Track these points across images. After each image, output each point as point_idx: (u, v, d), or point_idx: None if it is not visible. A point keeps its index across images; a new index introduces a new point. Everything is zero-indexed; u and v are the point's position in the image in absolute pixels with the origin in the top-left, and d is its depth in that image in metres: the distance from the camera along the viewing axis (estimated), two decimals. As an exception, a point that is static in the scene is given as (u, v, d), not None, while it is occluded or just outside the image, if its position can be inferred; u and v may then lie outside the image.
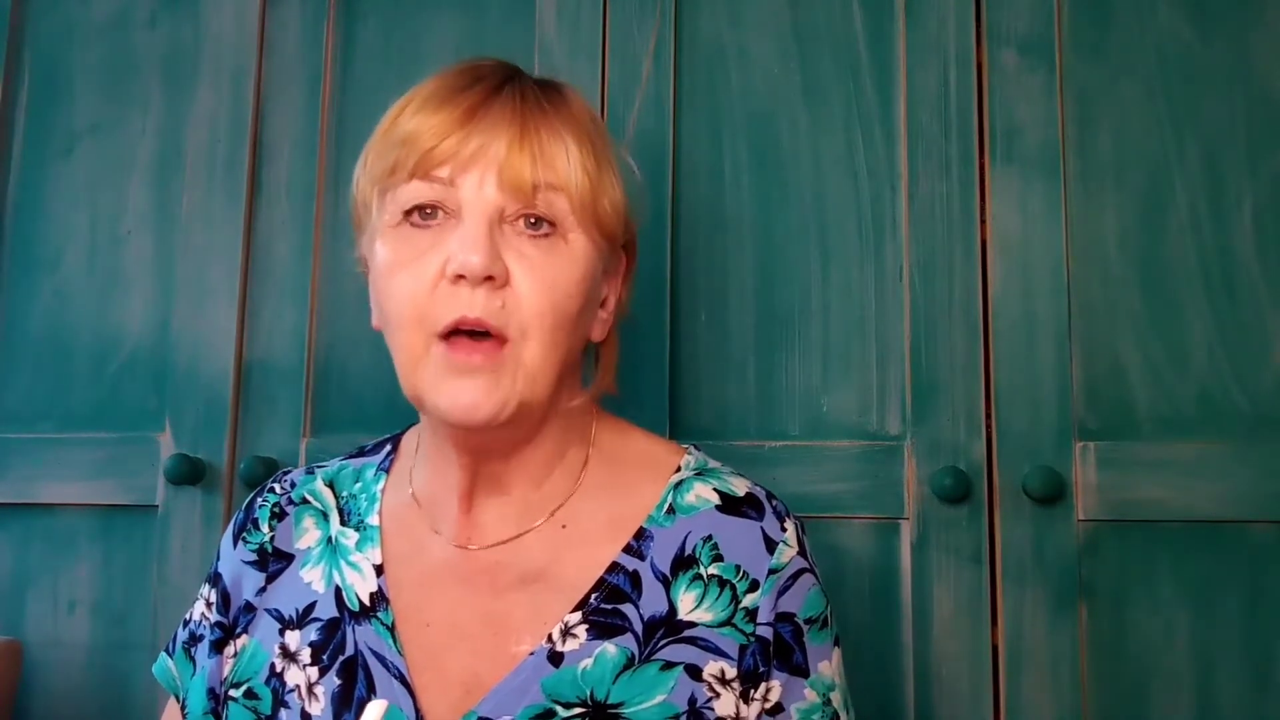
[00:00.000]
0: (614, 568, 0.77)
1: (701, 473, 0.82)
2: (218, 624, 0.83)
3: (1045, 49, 1.14)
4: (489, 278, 0.69)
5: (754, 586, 0.76)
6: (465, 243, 0.70)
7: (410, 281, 0.71)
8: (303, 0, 1.28)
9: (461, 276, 0.70)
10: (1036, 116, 1.13)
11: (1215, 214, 1.10)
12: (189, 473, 1.19)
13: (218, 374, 1.23)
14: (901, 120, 1.16)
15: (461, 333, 0.71)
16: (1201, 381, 1.08)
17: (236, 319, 1.24)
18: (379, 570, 0.79)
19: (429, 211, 0.72)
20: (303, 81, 1.27)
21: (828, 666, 0.77)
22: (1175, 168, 1.12)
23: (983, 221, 1.13)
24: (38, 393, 1.28)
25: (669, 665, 0.73)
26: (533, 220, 0.72)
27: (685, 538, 0.77)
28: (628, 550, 0.77)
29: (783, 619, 0.76)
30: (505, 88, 0.75)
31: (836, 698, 0.77)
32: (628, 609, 0.75)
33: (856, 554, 1.10)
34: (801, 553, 0.79)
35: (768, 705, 0.75)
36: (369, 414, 1.21)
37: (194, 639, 0.85)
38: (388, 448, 0.88)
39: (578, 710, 0.72)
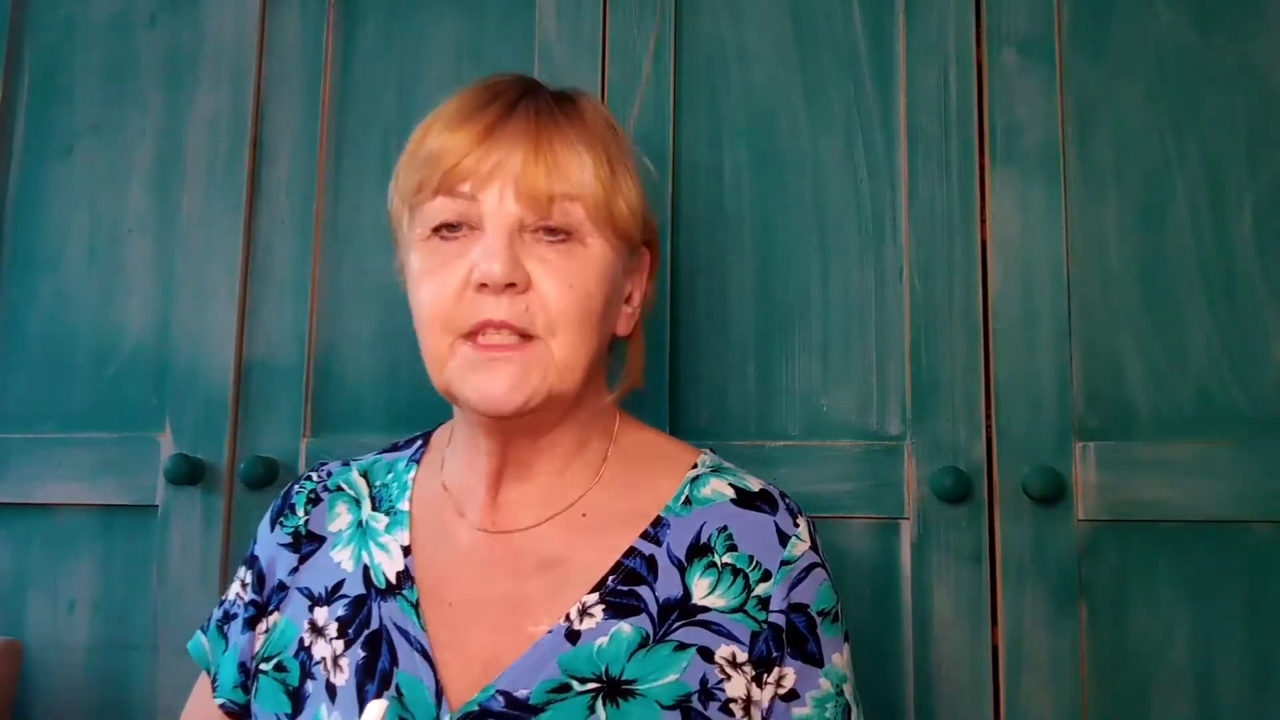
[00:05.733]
0: (631, 552, 0.80)
1: (717, 470, 0.85)
2: (251, 602, 0.87)
3: (1045, 49, 1.14)
4: (510, 285, 0.74)
5: (766, 576, 0.79)
6: (487, 253, 0.74)
7: (436, 288, 0.76)
8: (303, 0, 1.28)
9: (485, 285, 0.75)
10: (1036, 116, 1.13)
11: (1215, 214, 1.10)
12: (189, 473, 1.19)
13: (218, 374, 1.23)
14: (901, 120, 1.16)
15: (489, 330, 0.75)
16: (1201, 381, 1.08)
17: (236, 319, 1.24)
18: (406, 551, 0.83)
19: (455, 226, 0.77)
20: (303, 82, 1.27)
21: (840, 659, 0.80)
22: (1175, 168, 1.12)
23: (983, 221, 1.13)
24: (38, 393, 1.28)
25: (682, 646, 0.76)
26: (550, 229, 0.76)
27: (701, 527, 0.81)
28: (645, 537, 0.80)
29: (796, 609, 0.79)
30: (521, 103, 0.79)
31: (849, 690, 0.80)
32: (643, 591, 0.78)
33: (856, 554, 1.10)
34: (813, 548, 0.82)
35: (782, 691, 0.78)
36: (369, 414, 1.21)
37: (228, 617, 0.88)
38: (419, 442, 0.92)
39: (592, 685, 0.75)
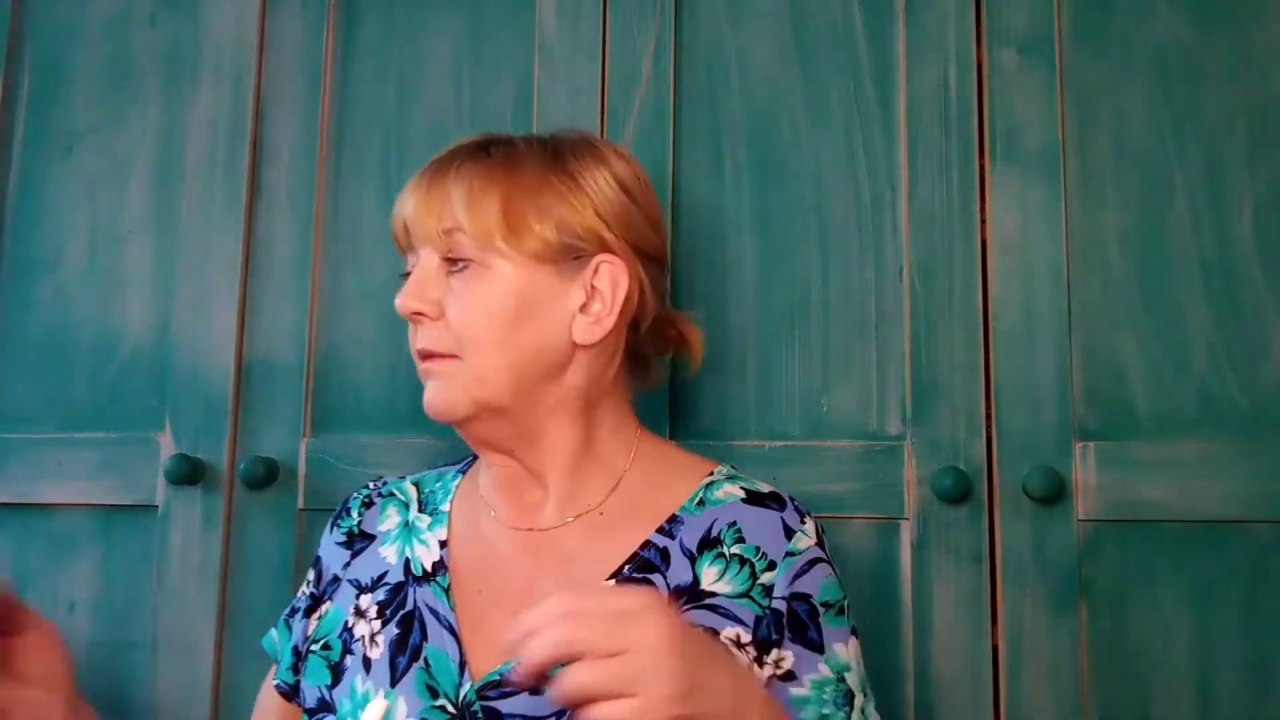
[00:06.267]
0: (646, 544, 0.86)
1: (731, 477, 0.92)
2: (310, 595, 0.96)
3: (1045, 49, 1.14)
4: (420, 314, 0.86)
5: (771, 566, 0.84)
6: (401, 291, 0.87)
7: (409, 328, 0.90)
8: (303, 0, 1.28)
9: (404, 316, 0.88)
10: (1036, 116, 1.13)
11: (1215, 214, 1.10)
12: (189, 473, 1.19)
13: (218, 374, 1.23)
14: (901, 120, 1.16)
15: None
16: (1201, 381, 1.08)
17: (236, 319, 1.24)
18: (443, 545, 0.92)
19: (407, 275, 0.90)
20: (303, 82, 1.27)
21: (844, 649, 0.84)
22: (1175, 168, 1.12)
23: (983, 221, 1.13)
24: (38, 393, 1.28)
25: None
26: (452, 260, 0.86)
27: (712, 524, 0.87)
28: (660, 531, 0.87)
29: (798, 598, 0.84)
30: (445, 156, 0.89)
31: (852, 679, 0.83)
32: (656, 578, 0.84)
33: (856, 554, 1.10)
34: (819, 544, 0.87)
35: (779, 672, 0.82)
36: (369, 414, 1.21)
37: (293, 612, 0.97)
38: (470, 459, 1.00)
39: None
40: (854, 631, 0.86)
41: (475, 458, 0.99)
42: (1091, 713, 1.05)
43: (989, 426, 1.10)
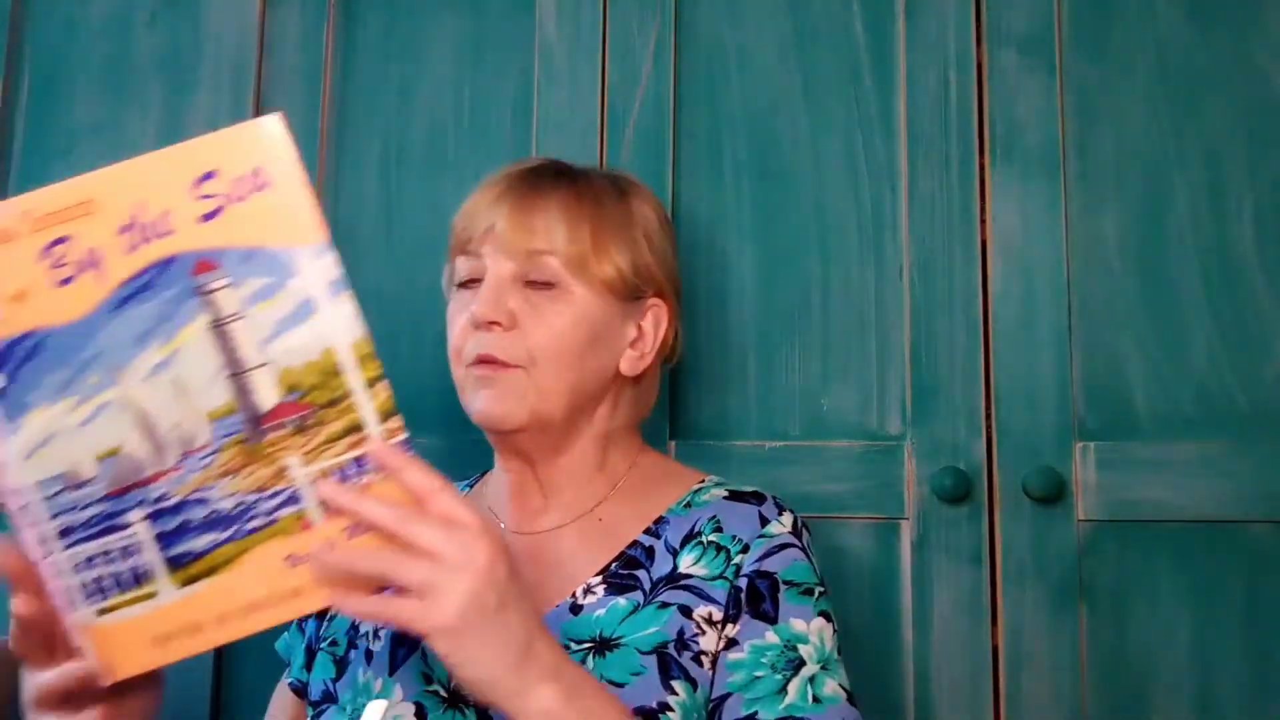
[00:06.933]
0: (634, 544, 0.90)
1: (719, 484, 0.95)
2: None
3: (1045, 49, 1.14)
4: (494, 323, 0.88)
5: (745, 550, 0.87)
6: (478, 299, 0.89)
7: (455, 328, 0.92)
8: (303, 0, 1.28)
9: (476, 324, 0.89)
10: (1036, 116, 1.13)
11: (1215, 214, 1.10)
12: (189, 473, 1.19)
13: (218, 374, 1.23)
14: (901, 120, 1.16)
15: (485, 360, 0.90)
16: (1201, 381, 1.08)
17: (236, 319, 1.24)
18: None
19: (471, 280, 0.93)
20: (303, 81, 1.27)
21: (802, 625, 0.84)
22: (1175, 168, 1.12)
23: (983, 221, 1.13)
24: (38, 393, 1.28)
25: (665, 605, 0.85)
26: (535, 279, 0.90)
27: (695, 521, 0.90)
28: (647, 532, 0.91)
29: (761, 575, 0.86)
30: (528, 177, 0.93)
31: (807, 650, 0.83)
32: (640, 573, 0.88)
33: (856, 554, 1.10)
34: (794, 534, 0.89)
35: (725, 642, 0.84)
36: (369, 414, 1.21)
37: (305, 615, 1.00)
38: (477, 475, 1.04)
39: (587, 645, 0.84)
40: (826, 617, 0.85)
41: (482, 474, 1.03)
42: (1091, 713, 1.05)
43: (989, 426, 1.10)
